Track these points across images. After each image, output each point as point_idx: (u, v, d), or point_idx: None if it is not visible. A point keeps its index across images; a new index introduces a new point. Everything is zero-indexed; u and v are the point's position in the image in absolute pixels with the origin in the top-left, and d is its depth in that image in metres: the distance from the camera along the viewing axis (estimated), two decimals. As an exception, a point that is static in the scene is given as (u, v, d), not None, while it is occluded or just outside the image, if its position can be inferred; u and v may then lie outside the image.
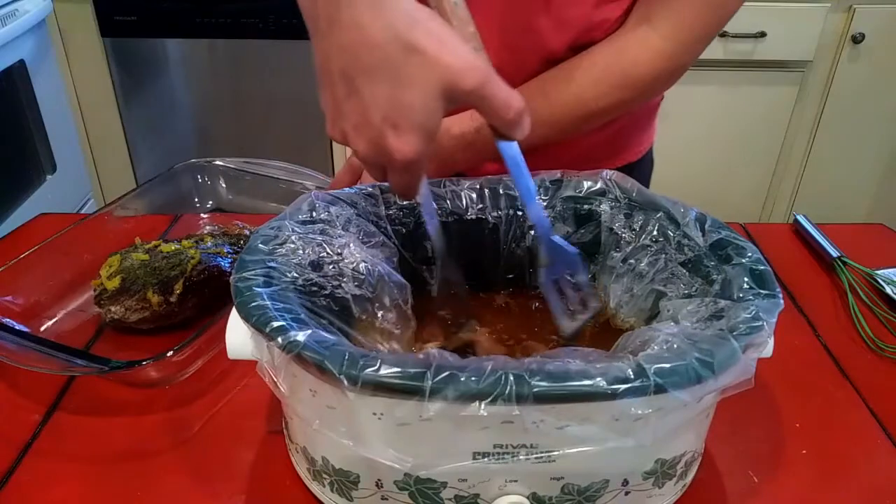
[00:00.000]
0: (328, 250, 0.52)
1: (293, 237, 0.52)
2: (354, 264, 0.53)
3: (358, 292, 0.52)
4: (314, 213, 0.55)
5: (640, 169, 0.85)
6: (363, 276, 0.53)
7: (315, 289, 0.50)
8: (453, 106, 0.43)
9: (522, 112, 0.45)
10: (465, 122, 0.67)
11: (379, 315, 0.53)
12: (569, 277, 0.54)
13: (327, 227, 0.54)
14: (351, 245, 0.53)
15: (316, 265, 0.51)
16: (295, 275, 0.49)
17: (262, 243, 0.50)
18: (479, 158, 0.69)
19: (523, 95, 0.45)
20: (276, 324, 0.42)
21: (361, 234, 0.56)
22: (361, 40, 0.41)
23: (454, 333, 0.57)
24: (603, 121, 0.70)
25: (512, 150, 0.48)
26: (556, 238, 0.53)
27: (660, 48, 0.64)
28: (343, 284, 0.52)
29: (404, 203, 0.59)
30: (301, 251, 0.51)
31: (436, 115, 0.42)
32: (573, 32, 0.67)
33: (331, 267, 0.52)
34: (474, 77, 0.42)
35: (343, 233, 0.54)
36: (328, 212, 0.55)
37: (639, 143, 0.83)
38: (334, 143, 1.95)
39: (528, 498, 0.44)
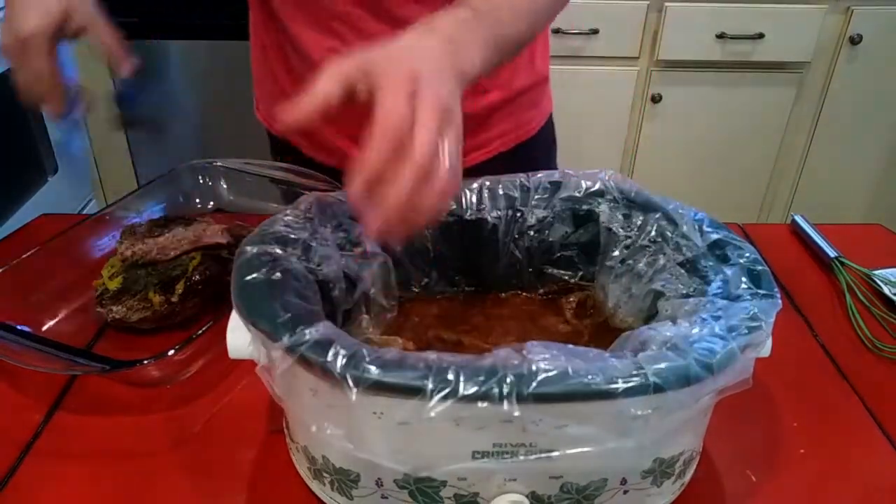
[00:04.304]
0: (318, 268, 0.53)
1: (292, 237, 0.52)
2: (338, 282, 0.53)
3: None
4: (311, 220, 0.55)
5: (538, 144, 0.87)
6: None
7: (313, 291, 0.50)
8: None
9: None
10: None
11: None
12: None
13: (321, 245, 0.54)
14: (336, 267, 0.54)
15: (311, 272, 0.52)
16: (294, 273, 0.49)
17: (262, 243, 0.51)
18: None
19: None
20: (276, 324, 0.42)
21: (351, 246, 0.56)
22: None
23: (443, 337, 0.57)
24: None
25: None
26: None
27: None
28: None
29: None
30: (297, 249, 0.51)
31: None
32: None
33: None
34: None
35: (332, 252, 0.54)
36: (322, 219, 0.55)
37: (531, 118, 0.86)
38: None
39: (527, 497, 0.44)
